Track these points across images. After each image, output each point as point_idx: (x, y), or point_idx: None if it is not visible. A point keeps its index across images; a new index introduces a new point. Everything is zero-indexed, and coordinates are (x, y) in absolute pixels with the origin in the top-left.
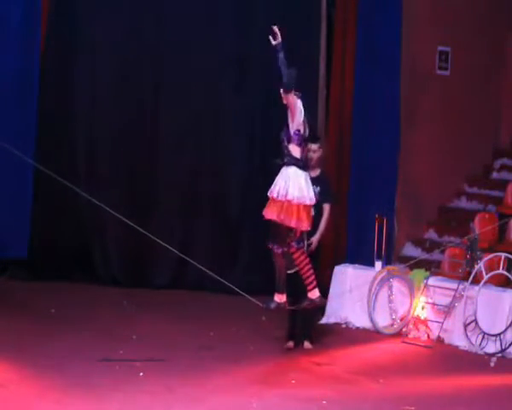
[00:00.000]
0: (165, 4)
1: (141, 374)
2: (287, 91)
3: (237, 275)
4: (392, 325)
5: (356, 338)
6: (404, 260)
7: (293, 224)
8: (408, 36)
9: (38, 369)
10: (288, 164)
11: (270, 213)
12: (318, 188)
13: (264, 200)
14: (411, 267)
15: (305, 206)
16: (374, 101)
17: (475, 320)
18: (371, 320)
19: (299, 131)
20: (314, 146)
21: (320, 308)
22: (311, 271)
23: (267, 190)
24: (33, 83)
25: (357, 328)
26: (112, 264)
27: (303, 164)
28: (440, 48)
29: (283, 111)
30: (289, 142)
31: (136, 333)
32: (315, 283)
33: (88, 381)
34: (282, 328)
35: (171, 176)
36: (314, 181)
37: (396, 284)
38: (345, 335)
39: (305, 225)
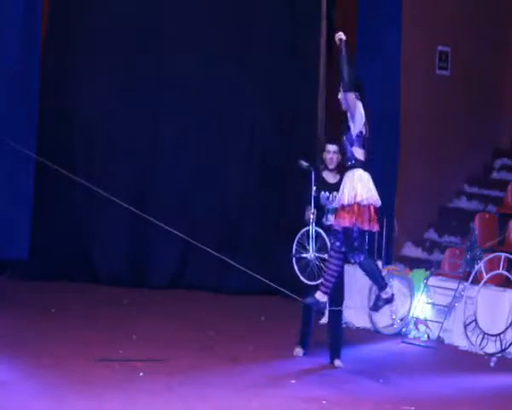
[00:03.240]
0: (165, 4)
1: (141, 374)
2: (346, 90)
3: (236, 275)
4: (392, 325)
5: (356, 338)
6: (404, 260)
7: (365, 226)
8: (408, 36)
9: (39, 368)
10: (353, 167)
11: (342, 220)
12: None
13: (264, 199)
14: (411, 267)
15: (375, 207)
16: (374, 101)
17: (475, 320)
18: (371, 320)
19: (361, 132)
20: (332, 147)
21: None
22: (334, 278)
23: (267, 189)
24: (33, 83)
25: (358, 328)
26: (112, 264)
27: (367, 166)
28: (440, 48)
29: (283, 111)
30: (352, 145)
31: (136, 333)
32: (329, 290)
33: (88, 380)
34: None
35: (171, 176)
36: (335, 188)
37: (396, 284)
38: (345, 335)
39: (377, 226)
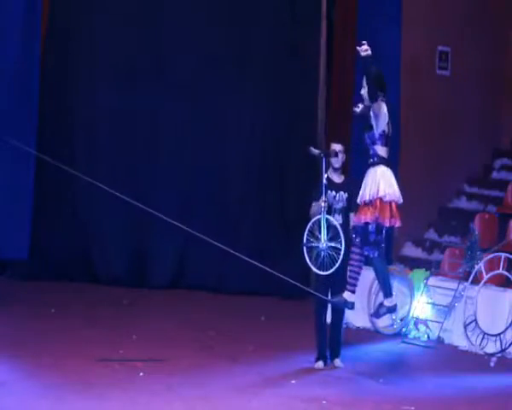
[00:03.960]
0: (165, 4)
1: (141, 374)
2: (372, 102)
3: (236, 275)
4: (392, 325)
5: (356, 338)
6: (404, 260)
7: (387, 222)
8: (408, 36)
9: (39, 368)
10: (376, 164)
11: (363, 216)
12: (346, 194)
13: (263, 199)
14: (411, 267)
15: (396, 203)
16: None
17: (475, 320)
18: (371, 320)
19: (384, 131)
20: (337, 146)
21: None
22: (358, 275)
23: (267, 189)
24: (33, 83)
25: (358, 328)
26: (112, 264)
27: (390, 163)
28: (440, 48)
29: (283, 111)
30: (374, 143)
31: (136, 333)
32: (355, 288)
33: (88, 380)
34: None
35: (171, 177)
36: (341, 187)
37: (396, 284)
38: (345, 335)
39: (399, 222)
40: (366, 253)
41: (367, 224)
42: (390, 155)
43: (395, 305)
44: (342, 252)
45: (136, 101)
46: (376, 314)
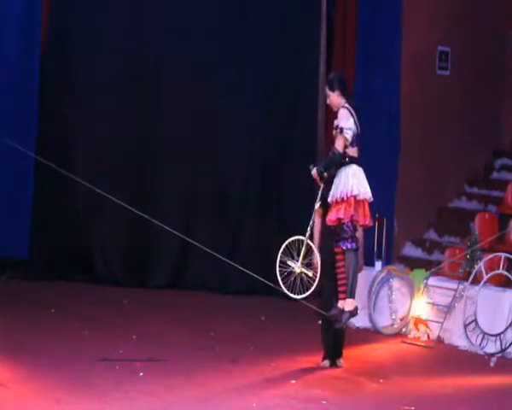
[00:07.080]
0: (165, 4)
1: (141, 374)
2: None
3: (237, 275)
4: (392, 325)
5: (356, 338)
6: (404, 260)
7: (361, 220)
8: (408, 36)
9: (38, 368)
10: (347, 164)
11: (336, 212)
12: None
13: (264, 199)
14: (411, 267)
15: (368, 203)
16: (374, 101)
17: (475, 320)
18: (371, 320)
19: (353, 133)
20: None
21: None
22: (348, 279)
23: (267, 189)
24: (33, 83)
25: (357, 328)
26: (112, 264)
27: (360, 162)
28: (440, 48)
29: (283, 111)
30: (346, 146)
31: (136, 333)
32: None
33: (88, 381)
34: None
35: (171, 176)
36: None
37: (396, 284)
38: (345, 335)
39: (371, 222)
40: (344, 247)
41: (340, 220)
42: (360, 153)
43: (356, 308)
44: (316, 280)
45: (137, 100)
46: (338, 321)
